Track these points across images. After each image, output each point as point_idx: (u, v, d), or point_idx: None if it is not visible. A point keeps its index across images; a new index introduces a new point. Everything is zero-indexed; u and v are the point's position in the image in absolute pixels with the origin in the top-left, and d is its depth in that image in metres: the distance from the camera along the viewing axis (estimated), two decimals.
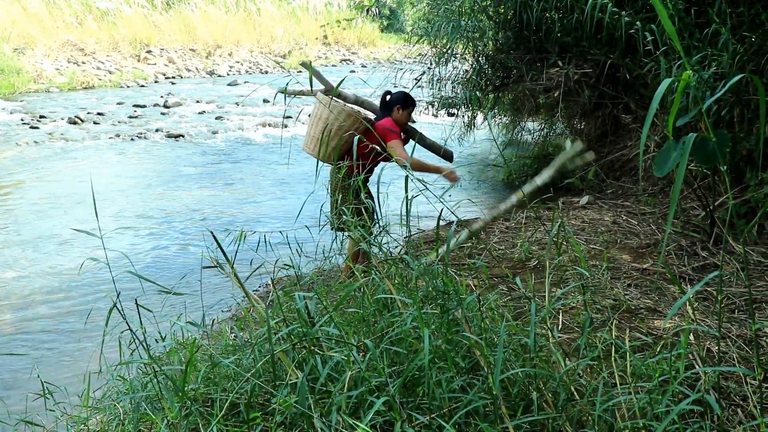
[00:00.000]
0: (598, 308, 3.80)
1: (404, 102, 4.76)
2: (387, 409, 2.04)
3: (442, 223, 5.80)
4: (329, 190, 4.55)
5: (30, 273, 5.54)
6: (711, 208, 5.02)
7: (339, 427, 1.95)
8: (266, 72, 22.41)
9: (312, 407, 1.98)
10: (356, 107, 4.80)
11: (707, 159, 4.55)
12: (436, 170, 4.68)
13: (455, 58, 8.27)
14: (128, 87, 17.23)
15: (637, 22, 5.36)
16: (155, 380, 2.27)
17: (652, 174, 5.88)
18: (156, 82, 18.55)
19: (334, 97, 4.49)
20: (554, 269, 4.46)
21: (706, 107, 4.48)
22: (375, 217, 3.26)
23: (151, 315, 2.50)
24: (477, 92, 7.71)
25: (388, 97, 4.84)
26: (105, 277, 5.25)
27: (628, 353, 2.51)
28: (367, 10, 28.99)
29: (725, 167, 1.62)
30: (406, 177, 2.61)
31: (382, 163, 4.68)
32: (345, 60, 26.61)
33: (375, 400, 1.96)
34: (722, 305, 3.88)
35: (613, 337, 2.73)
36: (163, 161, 9.83)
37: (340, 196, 4.26)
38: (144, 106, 14.13)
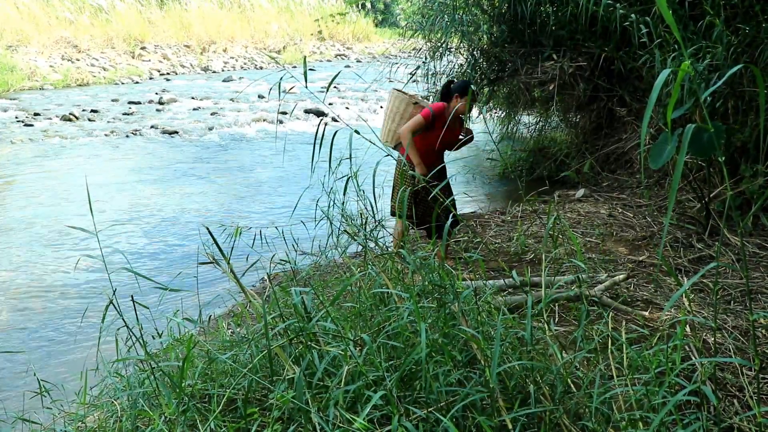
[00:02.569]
0: (594, 300, 3.81)
1: (463, 90, 4.73)
2: (384, 403, 2.04)
3: None
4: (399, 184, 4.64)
5: (25, 270, 5.52)
6: (706, 200, 5.03)
7: (336, 421, 1.95)
8: (261, 68, 22.36)
9: (309, 402, 1.98)
10: (410, 93, 4.99)
11: (702, 151, 4.56)
12: (416, 163, 4.60)
13: (450, 52, 8.25)
14: (123, 84, 17.18)
15: (632, 15, 5.36)
16: (152, 377, 2.27)
17: (647, 166, 5.89)
18: (151, 78, 18.50)
19: (398, 90, 4.95)
20: (550, 262, 4.46)
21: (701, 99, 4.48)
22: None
23: (148, 311, 2.49)
24: (472, 86, 7.69)
25: (451, 86, 4.83)
26: (101, 274, 5.24)
27: (624, 345, 2.52)
28: (362, 5, 28.95)
29: (723, 158, 1.61)
30: (402, 171, 2.60)
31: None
32: (340, 55, 26.56)
33: (372, 394, 1.96)
34: (718, 297, 3.89)
35: (610, 329, 2.73)
36: (158, 158, 9.81)
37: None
38: (139, 103, 14.09)
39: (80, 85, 16.56)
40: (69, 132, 11.13)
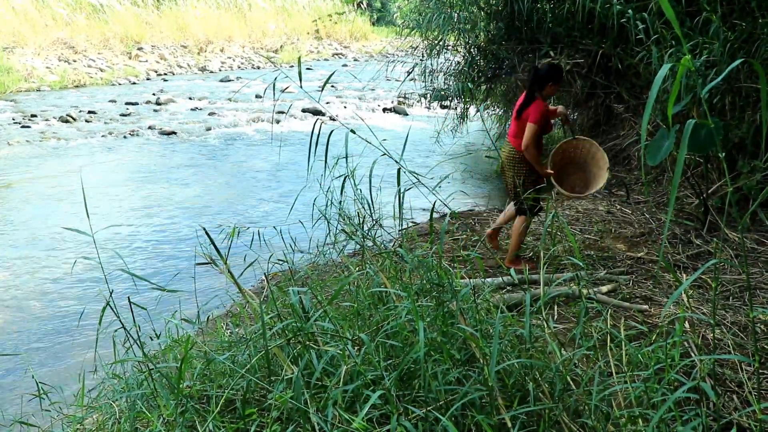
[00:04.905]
0: (593, 297, 3.81)
1: (557, 77, 4.49)
2: (383, 402, 2.03)
3: (435, 215, 5.81)
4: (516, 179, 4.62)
5: (23, 272, 5.51)
6: (704, 196, 5.03)
7: (335, 421, 1.95)
8: (258, 67, 22.33)
9: (308, 402, 1.98)
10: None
11: (700, 147, 4.54)
12: (542, 172, 4.55)
13: (447, 50, 8.25)
14: (120, 84, 17.14)
15: (629, 11, 5.35)
16: (150, 378, 2.27)
17: (645, 163, 5.89)
18: (148, 79, 18.46)
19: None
20: (549, 260, 4.46)
21: (699, 95, 4.48)
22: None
23: (145, 313, 2.48)
24: (469, 84, 7.69)
25: (540, 74, 4.52)
26: (98, 276, 5.23)
27: (623, 342, 2.52)
28: (359, 4, 28.91)
29: (723, 154, 1.61)
30: (399, 170, 2.60)
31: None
32: (337, 54, 26.53)
33: (371, 393, 1.96)
34: (717, 293, 3.89)
35: (609, 326, 2.73)
36: (156, 158, 9.79)
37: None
38: (136, 104, 14.06)
39: (77, 86, 16.51)
40: (66, 133, 11.11)
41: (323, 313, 2.34)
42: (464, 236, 5.45)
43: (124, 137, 11.07)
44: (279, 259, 2.92)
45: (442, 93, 8.21)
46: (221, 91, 16.15)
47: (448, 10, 7.55)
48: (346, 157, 2.81)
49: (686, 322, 3.35)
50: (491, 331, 2.45)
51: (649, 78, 5.69)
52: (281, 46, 25.54)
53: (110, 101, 14.31)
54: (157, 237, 6.39)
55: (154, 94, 15.19)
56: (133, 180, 8.49)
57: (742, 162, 4.87)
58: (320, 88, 2.83)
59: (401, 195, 2.66)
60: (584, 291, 3.63)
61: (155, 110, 13.49)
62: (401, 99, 13.86)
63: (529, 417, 2.13)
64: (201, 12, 24.45)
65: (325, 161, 2.75)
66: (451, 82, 8.17)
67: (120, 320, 2.25)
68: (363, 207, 3.10)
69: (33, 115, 12.39)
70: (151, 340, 2.74)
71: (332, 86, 16.48)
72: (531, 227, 5.60)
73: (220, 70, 20.92)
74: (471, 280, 3.73)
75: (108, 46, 20.35)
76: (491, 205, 6.88)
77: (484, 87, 8.09)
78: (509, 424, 1.98)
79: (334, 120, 3.10)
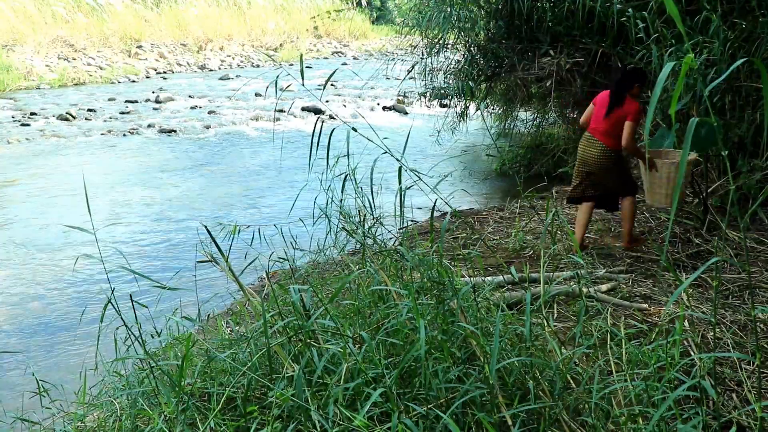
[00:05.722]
0: (593, 296, 3.81)
1: (644, 78, 4.68)
2: (384, 400, 2.04)
3: (436, 214, 5.81)
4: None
5: (24, 270, 5.51)
6: (704, 195, 5.04)
7: (336, 419, 1.95)
8: (258, 66, 22.32)
9: (309, 400, 1.98)
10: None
11: (700, 146, 4.53)
12: (649, 164, 4.60)
13: (447, 48, 8.25)
14: (119, 83, 17.14)
15: (629, 10, 5.35)
16: (152, 376, 2.27)
17: None
18: (147, 77, 18.44)
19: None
20: (549, 258, 4.47)
21: (699, 94, 4.48)
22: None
23: (146, 310, 2.49)
24: (469, 82, 7.69)
25: (628, 76, 4.68)
26: (99, 274, 5.23)
27: (623, 341, 2.52)
28: (358, 2, 28.87)
29: (726, 152, 1.61)
30: (400, 168, 2.60)
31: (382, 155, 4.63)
32: (337, 52, 26.52)
33: (372, 391, 1.96)
34: (717, 292, 3.89)
35: (609, 324, 2.73)
36: (156, 156, 9.79)
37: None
38: (136, 102, 14.05)
39: (77, 85, 16.50)
40: (66, 131, 11.10)
41: (324, 311, 2.34)
42: (464, 235, 5.45)
43: (124, 135, 11.06)
44: (279, 257, 2.92)
45: (442, 91, 8.21)
46: (221, 89, 16.14)
47: (448, 9, 7.54)
48: (348, 155, 2.82)
49: (686, 320, 3.36)
50: (491, 329, 2.45)
51: (649, 78, 5.69)
52: (281, 45, 25.52)
53: (110, 99, 14.30)
54: (158, 235, 6.39)
55: (153, 93, 15.18)
56: (132, 178, 8.49)
57: (741, 161, 4.88)
58: (321, 87, 2.83)
59: (402, 193, 2.66)
60: (584, 289, 3.64)
61: (155, 108, 13.48)
62: (401, 97, 13.86)
63: (529, 415, 2.14)
64: (200, 10, 24.43)
65: (327, 160, 2.76)
66: (450, 81, 8.16)
67: (121, 317, 2.25)
68: (363, 205, 3.10)
69: (32, 113, 12.37)
70: (152, 337, 2.74)
71: (332, 85, 16.48)
72: (532, 225, 5.62)
73: (219, 69, 20.91)
74: (471, 278, 3.73)
75: (107, 44, 20.33)
76: (491, 204, 6.89)
77: (484, 85, 8.08)
78: (510, 422, 1.99)
79: (334, 118, 3.10)
